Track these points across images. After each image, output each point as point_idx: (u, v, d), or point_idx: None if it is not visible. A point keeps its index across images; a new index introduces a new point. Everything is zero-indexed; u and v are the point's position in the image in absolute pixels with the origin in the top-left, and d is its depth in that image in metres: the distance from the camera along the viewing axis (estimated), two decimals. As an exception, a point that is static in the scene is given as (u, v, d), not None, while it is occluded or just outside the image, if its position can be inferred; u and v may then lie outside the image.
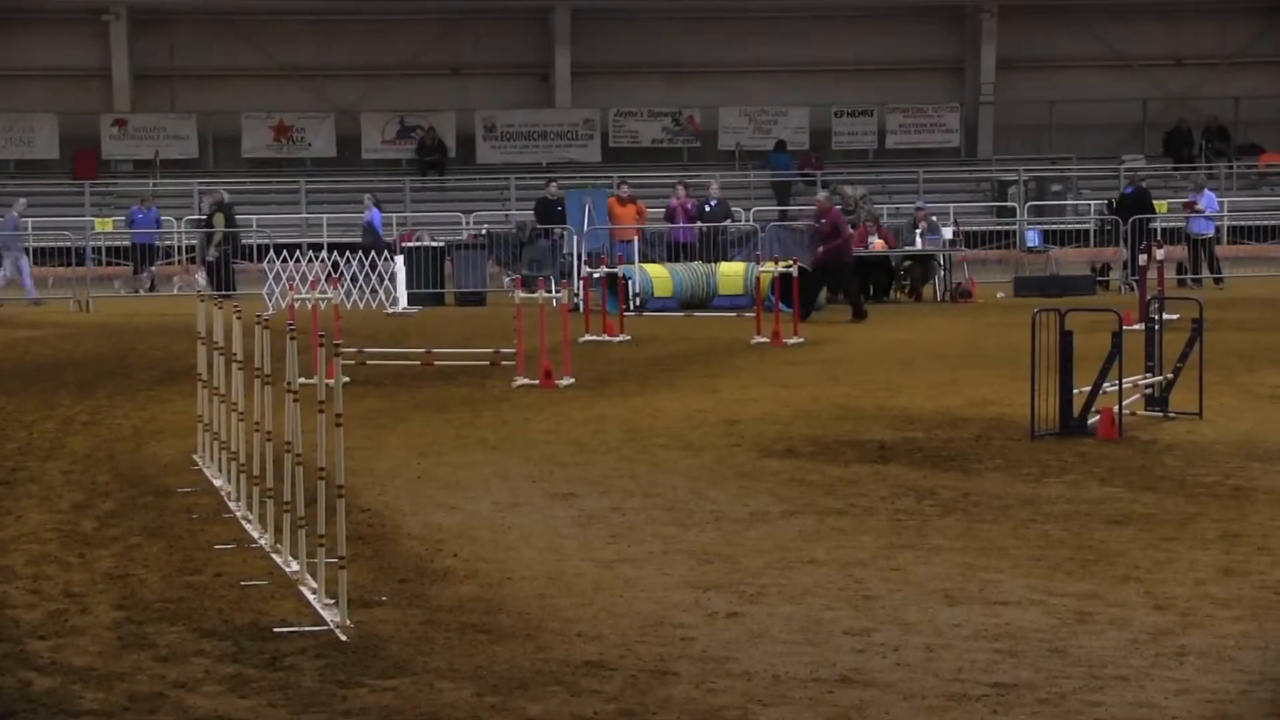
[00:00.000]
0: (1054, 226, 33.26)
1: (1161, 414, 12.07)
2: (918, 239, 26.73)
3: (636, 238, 26.79)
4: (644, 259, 26.11)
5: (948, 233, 27.67)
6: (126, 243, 30.71)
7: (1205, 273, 28.36)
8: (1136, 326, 14.32)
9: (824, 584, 7.13)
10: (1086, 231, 33.57)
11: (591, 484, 9.64)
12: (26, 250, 30.42)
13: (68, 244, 30.35)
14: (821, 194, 22.54)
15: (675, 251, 27.26)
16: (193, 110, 36.78)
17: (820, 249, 22.35)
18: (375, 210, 29.38)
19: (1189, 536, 8.08)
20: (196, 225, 28.93)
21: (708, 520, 8.57)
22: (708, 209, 28.06)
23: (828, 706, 5.43)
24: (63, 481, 9.94)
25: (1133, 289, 23.08)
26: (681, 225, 27.61)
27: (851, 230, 23.66)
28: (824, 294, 24.51)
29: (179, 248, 32.86)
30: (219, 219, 28.41)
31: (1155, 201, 30.01)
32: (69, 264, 29.40)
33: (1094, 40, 38.54)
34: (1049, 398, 11.20)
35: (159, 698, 5.54)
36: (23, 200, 29.79)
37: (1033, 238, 30.49)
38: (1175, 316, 15.99)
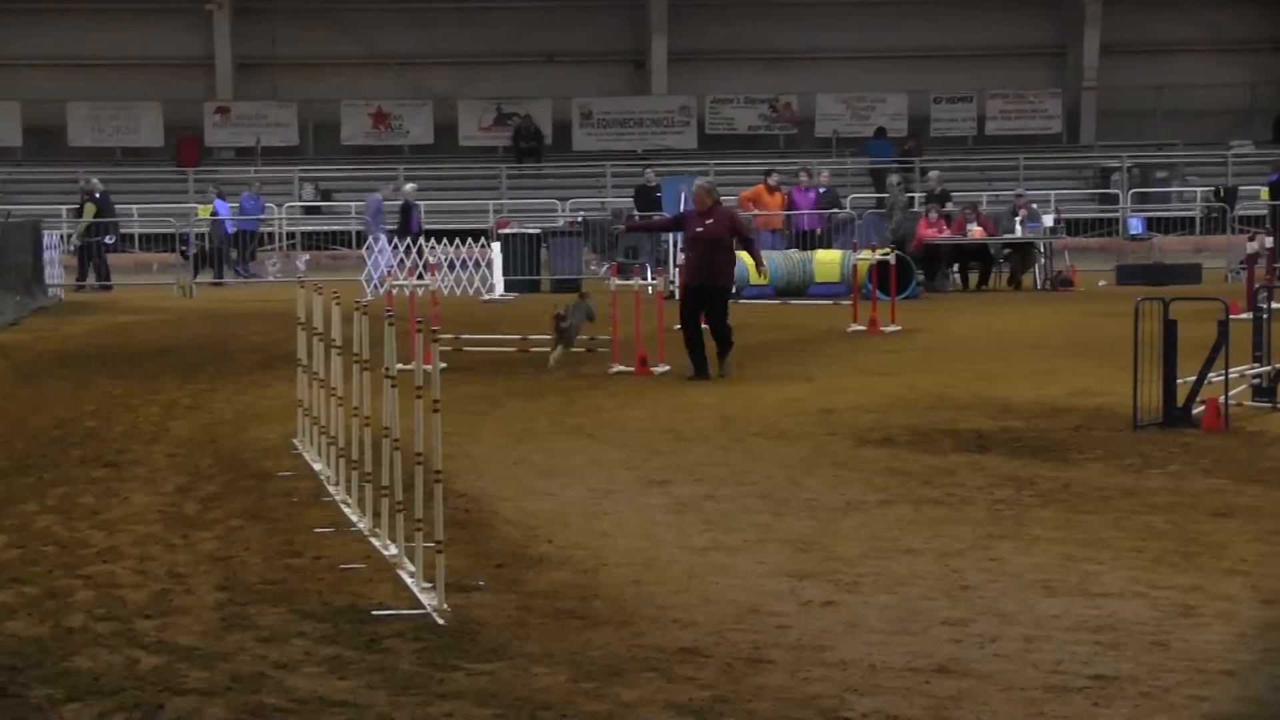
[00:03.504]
0: (1158, 214, 32.73)
1: (1269, 405, 11.84)
2: (1017, 226, 26.44)
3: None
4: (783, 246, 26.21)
5: (1048, 220, 27.34)
6: (232, 230, 31.15)
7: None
8: (1244, 315, 14.04)
9: (920, 574, 7.07)
10: (1192, 219, 33.00)
11: (686, 471, 9.63)
12: (131, 237, 30.90)
13: (171, 230, 30.92)
14: (701, 180, 15.69)
15: (800, 239, 27.19)
16: (293, 98, 37.22)
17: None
18: (221, 201, 29.36)
19: (1296, 530, 7.92)
20: (77, 215, 29.24)
21: (803, 509, 8.53)
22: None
23: (924, 697, 5.38)
24: (166, 465, 10.11)
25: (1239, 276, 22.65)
26: (806, 211, 27.68)
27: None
28: (920, 278, 24.29)
29: (280, 234, 33.33)
30: (89, 209, 28.47)
31: (1260, 189, 29.44)
32: (173, 249, 29.95)
33: (1198, 25, 37.83)
34: (1152, 388, 11.02)
35: (261, 678, 5.62)
36: (391, 185, 30.18)
37: (1136, 225, 30.05)
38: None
